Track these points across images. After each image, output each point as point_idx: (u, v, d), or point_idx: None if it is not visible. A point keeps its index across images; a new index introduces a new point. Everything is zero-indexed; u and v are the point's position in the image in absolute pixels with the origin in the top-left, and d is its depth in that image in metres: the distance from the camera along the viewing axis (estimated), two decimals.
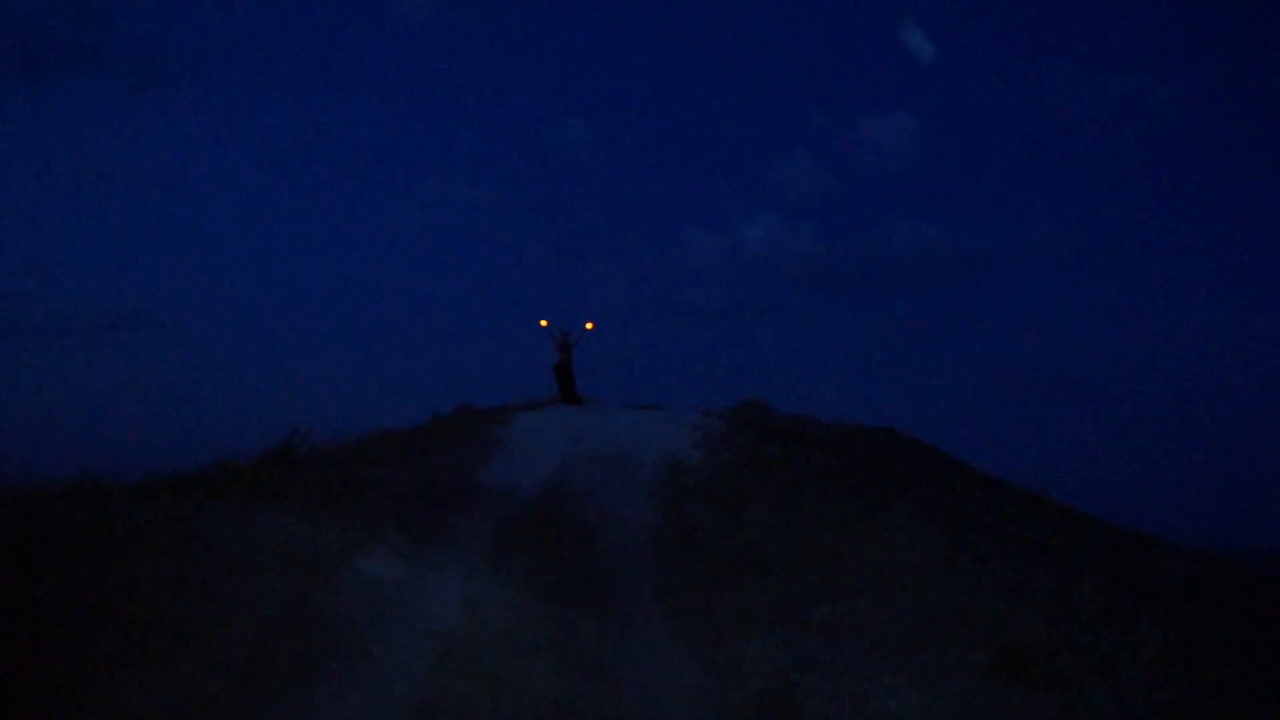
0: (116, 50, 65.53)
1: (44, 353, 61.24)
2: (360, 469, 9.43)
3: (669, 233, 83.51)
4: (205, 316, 67.95)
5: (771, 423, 16.04)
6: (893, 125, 74.33)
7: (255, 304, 70.56)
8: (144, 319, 65.68)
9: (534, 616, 6.44)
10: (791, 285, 78.40)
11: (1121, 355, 69.75)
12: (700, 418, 16.52)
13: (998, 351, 71.56)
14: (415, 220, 76.80)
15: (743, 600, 6.99)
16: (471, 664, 5.41)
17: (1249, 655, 6.08)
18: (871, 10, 78.87)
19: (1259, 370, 66.24)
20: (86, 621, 4.70)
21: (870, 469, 13.03)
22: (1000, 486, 14.91)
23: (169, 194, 72.07)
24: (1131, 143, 77.03)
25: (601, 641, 6.34)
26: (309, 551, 6.64)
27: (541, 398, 18.94)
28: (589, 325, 19.37)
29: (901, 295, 78.14)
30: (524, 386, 22.46)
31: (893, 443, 16.98)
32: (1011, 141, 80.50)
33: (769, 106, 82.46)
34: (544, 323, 19.26)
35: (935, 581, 6.93)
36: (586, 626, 6.55)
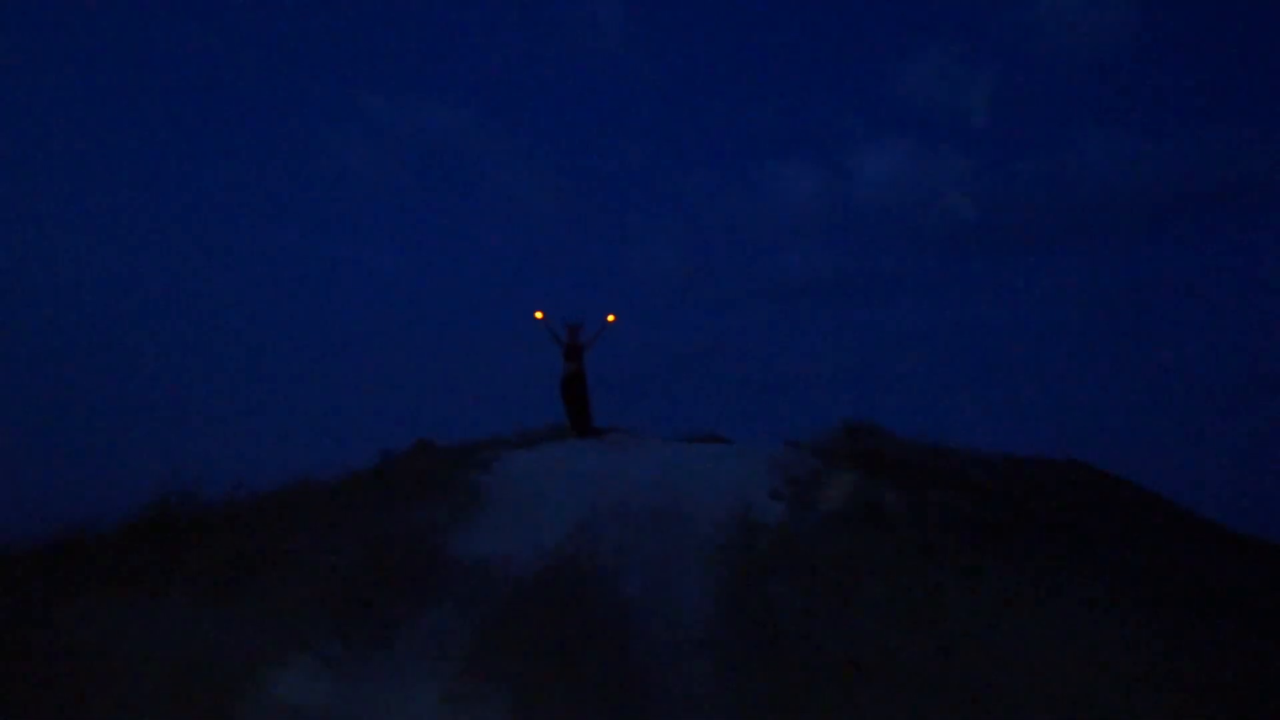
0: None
1: None
2: (274, 540, 9.46)
3: (743, 171, 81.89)
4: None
5: (889, 455, 15.92)
6: None
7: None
8: None
9: None
10: (927, 242, 76.83)
11: None
12: (783, 451, 16.42)
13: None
14: (347, 157, 76.51)
15: None
16: None
17: None
18: None
19: None
20: None
21: (1040, 522, 12.87)
22: (1233, 540, 14.65)
23: None
24: None
25: None
26: (202, 666, 6.66)
27: (539, 429, 18.98)
28: (610, 317, 19.38)
29: (1096, 247, 75.54)
30: (513, 413, 22.59)
31: (1074, 481, 16.77)
32: None
33: None
34: (539, 314, 19.27)
35: (1141, 692, 6.81)
36: None
